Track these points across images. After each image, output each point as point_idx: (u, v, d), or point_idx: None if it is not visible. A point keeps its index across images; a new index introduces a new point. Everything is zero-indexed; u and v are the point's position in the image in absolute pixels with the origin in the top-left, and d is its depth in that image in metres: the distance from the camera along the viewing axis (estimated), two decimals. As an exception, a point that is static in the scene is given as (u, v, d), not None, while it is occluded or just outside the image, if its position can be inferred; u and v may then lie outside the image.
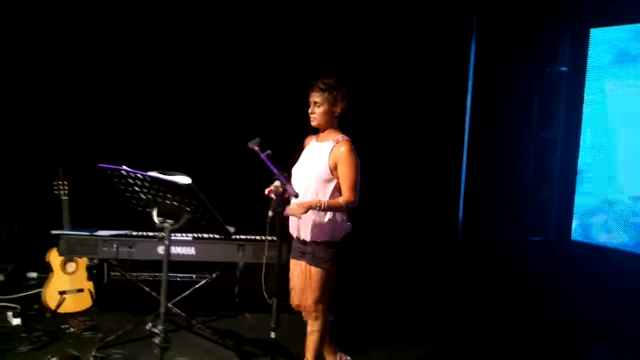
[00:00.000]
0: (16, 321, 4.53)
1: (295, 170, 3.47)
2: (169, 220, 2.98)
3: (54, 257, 4.78)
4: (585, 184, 6.06)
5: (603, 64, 5.87)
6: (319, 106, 3.37)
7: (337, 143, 3.34)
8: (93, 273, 4.95)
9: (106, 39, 6.18)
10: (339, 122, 3.46)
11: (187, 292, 4.41)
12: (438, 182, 6.34)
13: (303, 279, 3.44)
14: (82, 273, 4.87)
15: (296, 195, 2.94)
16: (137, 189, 2.98)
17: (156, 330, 3.05)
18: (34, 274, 5.65)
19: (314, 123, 3.42)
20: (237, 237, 4.43)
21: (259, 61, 6.31)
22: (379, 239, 6.24)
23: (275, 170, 2.98)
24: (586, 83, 5.98)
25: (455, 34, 6.15)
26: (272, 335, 2.97)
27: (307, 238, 3.36)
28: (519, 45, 6.01)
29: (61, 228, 4.66)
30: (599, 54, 5.89)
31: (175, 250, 4.36)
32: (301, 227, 3.38)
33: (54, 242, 4.78)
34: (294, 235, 3.43)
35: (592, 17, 5.79)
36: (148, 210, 3.07)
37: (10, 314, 4.62)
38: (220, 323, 4.78)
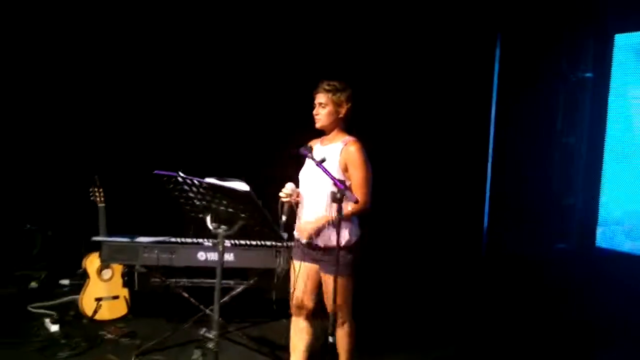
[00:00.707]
0: (54, 328, 4.59)
1: (303, 175, 3.44)
2: (223, 226, 3.02)
3: (91, 264, 4.83)
4: (610, 191, 6.07)
5: (627, 69, 5.89)
6: (323, 107, 3.36)
7: (346, 144, 3.31)
8: (125, 280, 5.00)
9: (140, 48, 6.27)
10: (346, 125, 3.44)
11: (225, 298, 4.43)
12: (463, 189, 6.35)
13: (310, 284, 3.46)
14: (118, 280, 4.93)
15: (356, 201, 2.97)
16: (192, 195, 3.02)
17: (210, 336, 3.08)
18: (66, 281, 5.70)
19: (318, 124, 3.41)
20: (274, 243, 4.47)
21: (287, 63, 6.36)
22: (404, 245, 6.27)
23: (332, 177, 3.00)
24: (610, 89, 6.00)
25: (480, 40, 6.17)
26: (330, 339, 2.99)
27: (322, 243, 3.33)
28: (543, 51, 6.03)
29: (95, 234, 4.70)
30: (623, 60, 5.91)
31: (214, 256, 4.39)
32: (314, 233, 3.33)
33: (91, 248, 4.87)
34: (304, 240, 3.38)
35: (616, 22, 5.81)
36: (201, 216, 3.10)
37: (48, 320, 4.67)
38: (257, 330, 4.82)
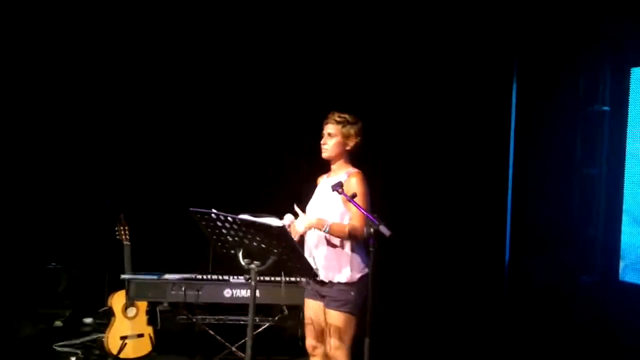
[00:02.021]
0: (80, 366, 4.60)
1: (310, 207, 3.44)
2: (255, 262, 3.04)
3: (116, 302, 4.84)
4: (632, 222, 6.04)
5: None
6: (331, 137, 3.39)
7: (349, 176, 3.33)
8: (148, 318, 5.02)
9: (169, 87, 6.46)
10: (352, 158, 3.46)
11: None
12: (484, 220, 6.36)
13: (320, 322, 3.38)
14: (143, 317, 4.92)
15: (390, 235, 2.99)
16: (224, 231, 3.05)
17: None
18: (89, 320, 5.72)
19: (324, 155, 3.42)
20: (301, 279, 4.47)
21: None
22: (424, 277, 6.25)
23: (365, 213, 3.04)
24: (628, 121, 6.03)
25: (497, 72, 6.25)
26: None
27: (326, 278, 3.30)
28: (560, 83, 6.07)
29: (118, 272, 4.75)
30: (640, 93, 5.95)
31: (240, 293, 4.42)
32: (318, 267, 3.30)
33: (114, 286, 4.92)
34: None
35: (633, 55, 5.86)
36: (233, 252, 3.13)
37: (74, 359, 4.68)
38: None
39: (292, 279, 4.47)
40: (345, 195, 3.12)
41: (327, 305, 3.31)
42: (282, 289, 4.10)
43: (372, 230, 2.89)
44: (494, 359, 5.20)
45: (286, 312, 4.56)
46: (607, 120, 6.13)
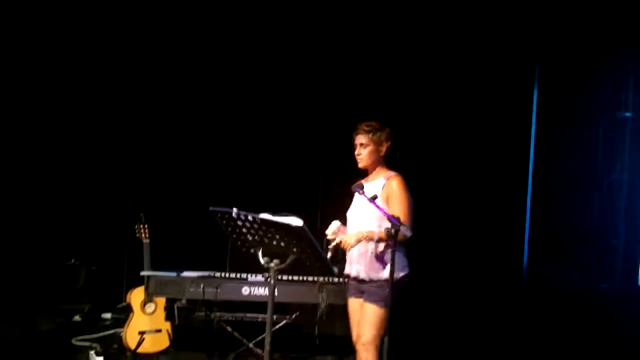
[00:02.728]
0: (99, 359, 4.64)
1: (350, 213, 3.51)
2: (275, 261, 3.07)
3: (135, 298, 4.89)
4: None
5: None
6: (365, 147, 3.45)
7: (388, 179, 3.40)
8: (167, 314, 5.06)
9: (187, 87, 6.54)
10: (387, 162, 3.52)
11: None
12: (503, 226, 6.34)
13: (359, 317, 3.45)
14: (161, 313, 4.96)
15: (411, 237, 3.00)
16: (244, 230, 3.07)
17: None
18: (108, 315, 5.79)
19: (361, 164, 3.49)
20: (317, 278, 4.51)
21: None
22: (442, 282, 6.24)
23: (386, 214, 3.06)
24: (650, 128, 6.00)
25: (519, 77, 6.25)
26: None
27: (365, 277, 3.37)
28: (583, 90, 6.07)
29: (136, 269, 4.81)
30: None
31: (258, 291, 4.45)
32: (360, 265, 3.38)
33: (132, 283, 4.98)
34: (351, 274, 3.43)
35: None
36: (253, 251, 3.15)
37: (92, 352, 4.71)
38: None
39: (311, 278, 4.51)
40: (366, 196, 3.14)
41: (365, 300, 3.39)
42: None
43: (393, 231, 2.90)
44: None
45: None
46: (629, 127, 6.12)
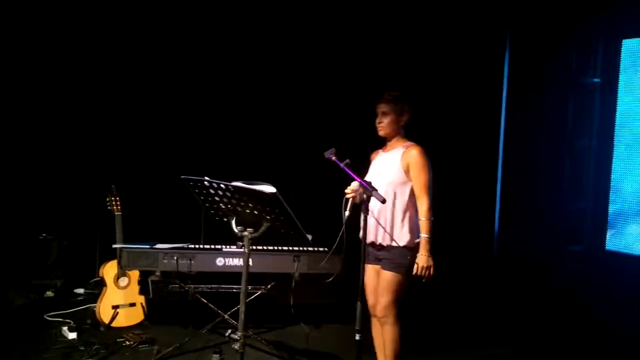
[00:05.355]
0: (72, 335, 4.60)
1: (371, 173, 3.61)
2: (248, 229, 3.06)
3: (108, 272, 4.85)
4: (619, 194, 6.10)
5: (636, 73, 5.94)
6: (386, 116, 3.53)
7: (407, 148, 3.50)
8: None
9: (158, 57, 6.42)
10: (406, 133, 3.63)
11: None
12: (473, 192, 6.40)
13: (375, 284, 3.55)
14: (135, 287, 4.94)
15: (383, 201, 3.01)
16: (217, 199, 3.06)
17: (235, 337, 3.11)
18: (81, 290, 5.74)
19: (381, 132, 3.58)
20: (292, 248, 4.52)
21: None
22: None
23: (357, 178, 3.07)
24: (619, 93, 6.05)
25: (489, 44, 6.25)
26: (357, 337, 3.05)
27: (385, 242, 3.46)
28: (553, 56, 6.09)
29: (109, 243, 4.76)
30: (631, 65, 5.97)
31: (233, 261, 4.44)
32: (379, 231, 3.47)
33: (105, 257, 4.93)
34: (370, 240, 3.48)
35: (625, 27, 5.87)
36: (226, 220, 3.14)
37: (65, 328, 4.69)
38: (275, 335, 4.84)
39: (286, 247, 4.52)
40: (338, 162, 3.14)
41: (383, 267, 3.48)
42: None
43: (365, 196, 2.91)
44: (483, 326, 5.26)
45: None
46: (598, 93, 6.17)
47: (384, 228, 3.41)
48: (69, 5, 6.00)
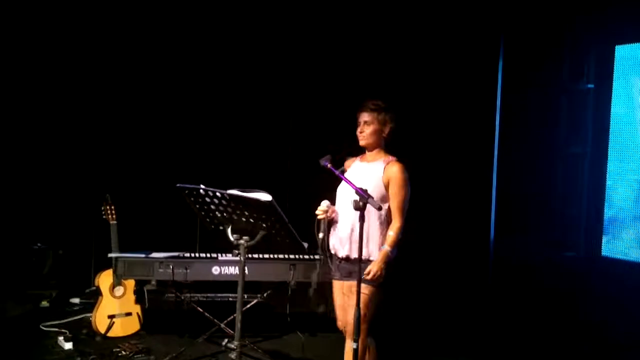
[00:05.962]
0: (68, 345, 4.58)
1: (341, 190, 3.42)
2: (244, 237, 3.06)
3: (103, 281, 4.83)
4: (614, 200, 6.12)
5: (629, 80, 5.97)
6: (368, 125, 3.39)
7: (389, 163, 3.37)
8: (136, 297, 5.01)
9: (154, 65, 6.42)
10: (387, 145, 3.50)
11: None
12: (469, 201, 6.40)
13: (347, 298, 3.40)
14: (130, 296, 4.92)
15: (379, 208, 3.00)
16: (213, 207, 3.06)
17: (232, 346, 3.11)
18: (76, 300, 5.72)
19: (362, 142, 3.43)
20: (288, 256, 4.51)
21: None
22: (411, 256, 6.27)
23: (354, 186, 3.05)
24: (612, 99, 6.08)
25: (483, 51, 6.26)
26: (354, 345, 3.03)
27: (357, 256, 3.28)
28: (546, 63, 6.12)
29: (104, 252, 4.75)
30: (624, 70, 6.00)
31: (229, 270, 4.44)
32: (351, 246, 3.32)
33: (100, 266, 4.92)
34: (341, 255, 3.37)
35: (618, 33, 5.90)
36: (222, 228, 3.14)
37: (61, 338, 4.67)
38: (271, 343, 4.82)
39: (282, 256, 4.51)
40: (334, 169, 3.14)
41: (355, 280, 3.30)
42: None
43: (361, 203, 2.91)
44: (478, 335, 5.26)
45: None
46: (592, 99, 6.20)
47: (360, 241, 3.20)
48: (56, 18, 5.99)
